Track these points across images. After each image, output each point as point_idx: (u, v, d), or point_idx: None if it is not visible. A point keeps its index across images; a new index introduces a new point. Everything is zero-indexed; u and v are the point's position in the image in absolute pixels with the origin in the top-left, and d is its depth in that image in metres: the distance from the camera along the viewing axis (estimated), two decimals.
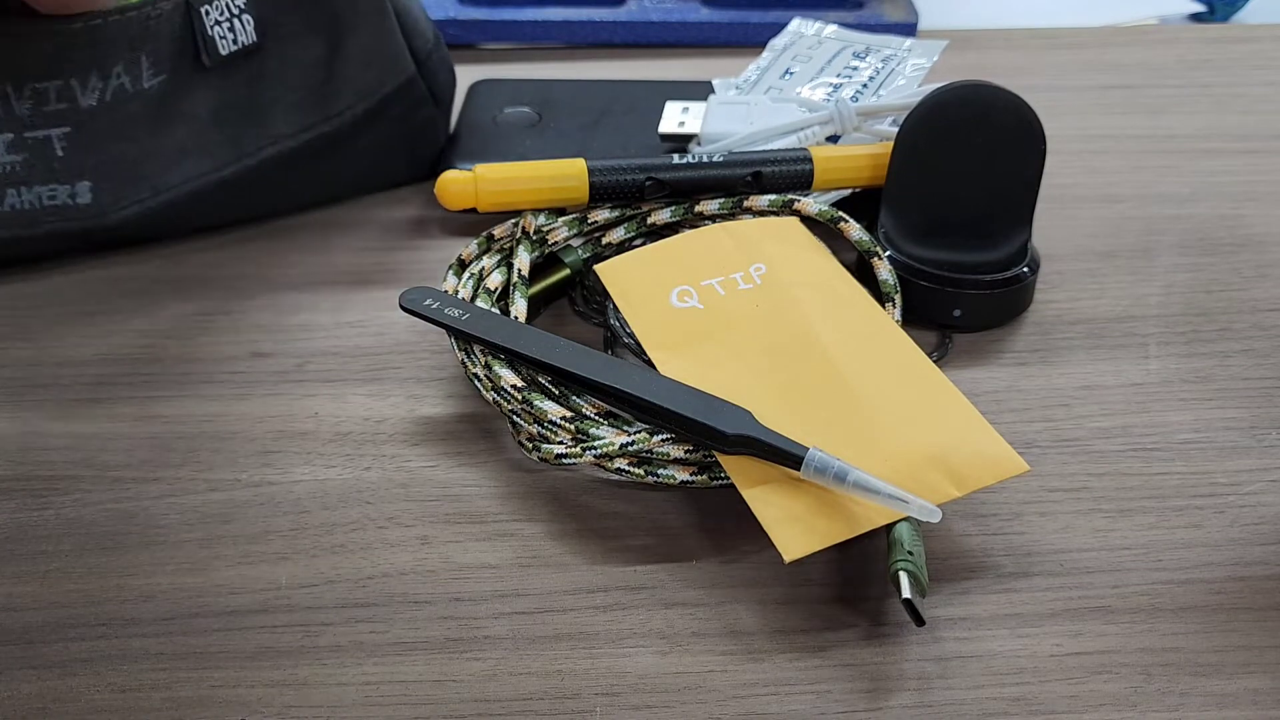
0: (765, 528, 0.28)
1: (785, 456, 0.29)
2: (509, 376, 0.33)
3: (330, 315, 0.40)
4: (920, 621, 0.27)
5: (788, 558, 0.28)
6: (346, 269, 0.42)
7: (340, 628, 0.29)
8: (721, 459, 0.30)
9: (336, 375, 0.37)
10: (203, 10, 0.38)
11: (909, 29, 0.60)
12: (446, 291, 0.36)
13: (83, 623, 0.29)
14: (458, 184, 0.39)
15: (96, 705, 0.27)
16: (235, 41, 0.39)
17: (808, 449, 0.29)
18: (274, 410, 0.36)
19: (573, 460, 0.31)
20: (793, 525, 0.28)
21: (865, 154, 0.40)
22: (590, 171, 0.38)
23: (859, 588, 0.29)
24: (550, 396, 0.33)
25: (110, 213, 0.40)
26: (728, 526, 0.31)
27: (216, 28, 0.39)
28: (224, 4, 0.39)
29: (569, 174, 0.39)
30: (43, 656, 0.28)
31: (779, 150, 0.40)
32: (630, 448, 0.31)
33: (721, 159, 0.39)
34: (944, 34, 0.61)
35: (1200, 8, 0.65)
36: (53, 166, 0.38)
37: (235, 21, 0.39)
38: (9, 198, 0.39)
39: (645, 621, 0.29)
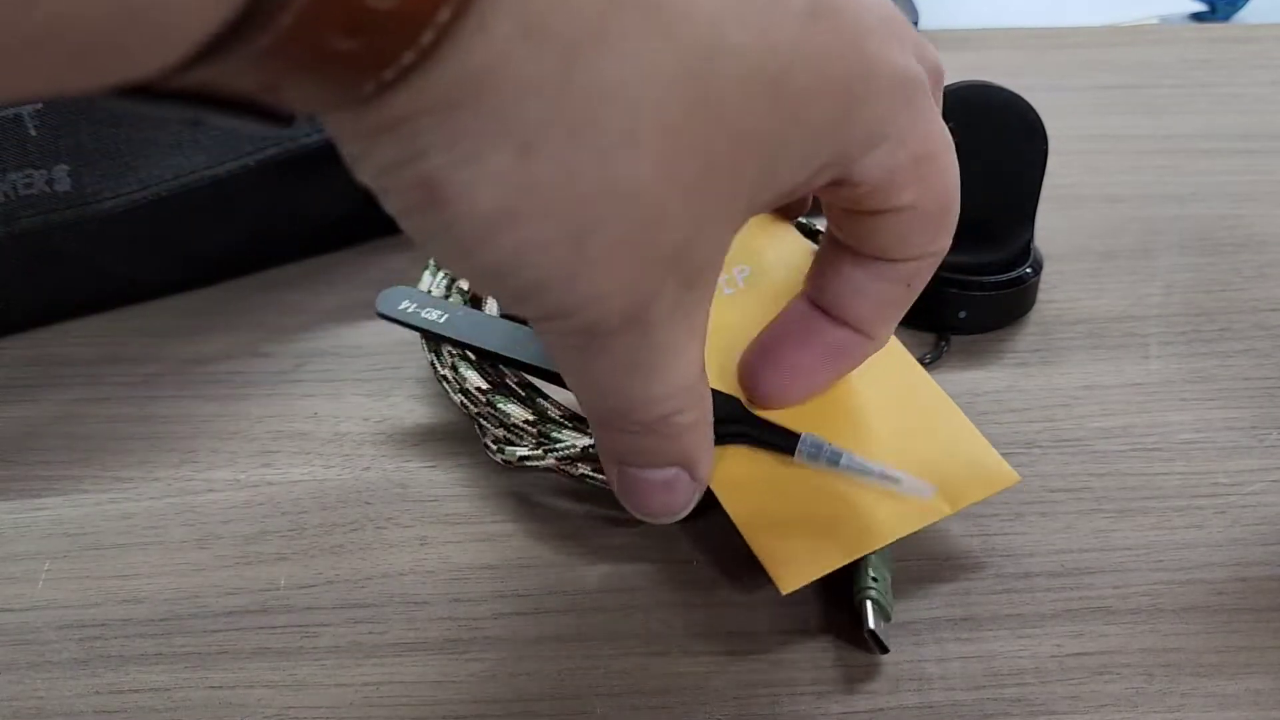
0: (760, 559, 0.28)
1: (779, 438, 0.28)
2: (474, 379, 0.32)
3: (329, 315, 0.39)
4: (884, 650, 0.27)
5: (785, 590, 0.27)
6: (346, 269, 0.42)
7: (339, 628, 0.29)
8: (713, 485, 0.29)
9: (335, 375, 0.37)
10: None
11: None
12: (423, 290, 0.36)
13: (82, 623, 0.29)
14: None
15: (95, 706, 0.27)
16: None
17: (800, 434, 0.28)
18: (273, 410, 0.35)
19: (535, 463, 0.31)
20: (788, 553, 0.28)
21: None
22: None
23: None
24: (515, 399, 0.32)
25: (92, 203, 0.37)
26: (727, 527, 0.31)
27: None
28: None
29: None
30: (42, 657, 0.28)
31: None
32: (592, 451, 0.30)
33: None
34: (944, 34, 0.61)
35: (1201, 7, 0.65)
36: (26, 148, 0.36)
37: None
38: None
39: (645, 622, 0.29)
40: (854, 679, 0.27)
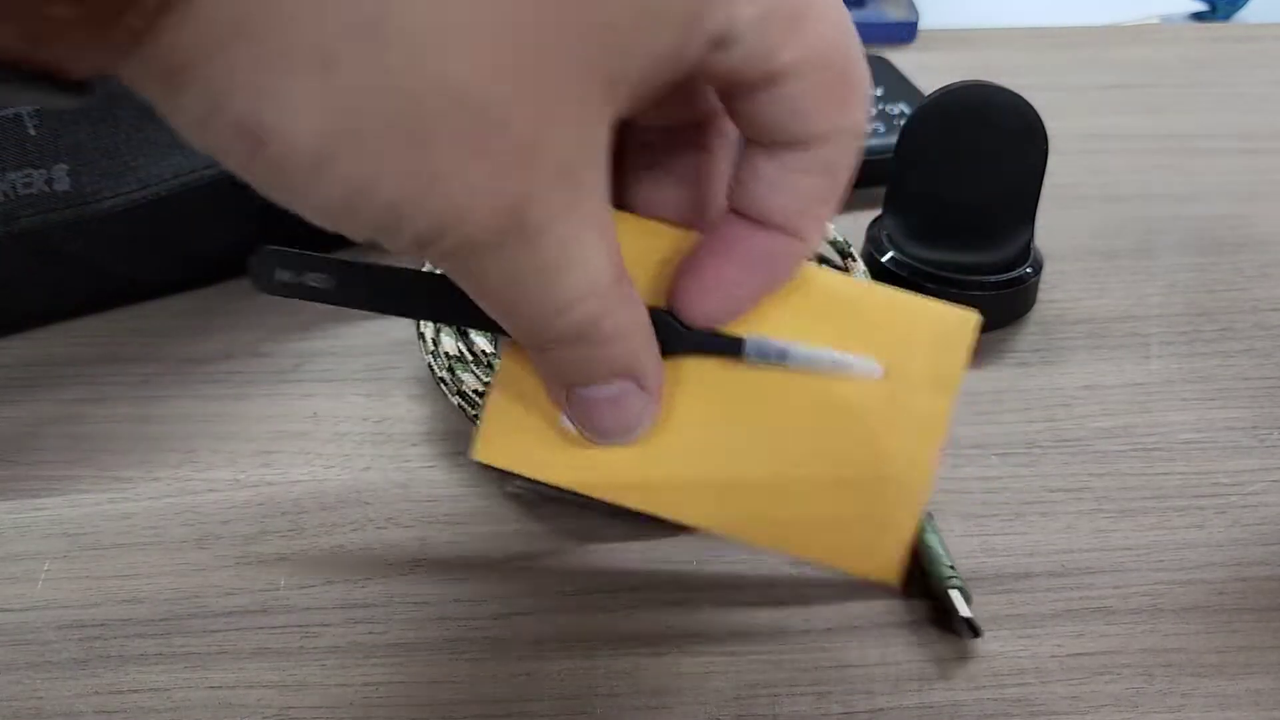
0: (853, 573, 0.27)
1: (723, 345, 0.26)
2: (470, 381, 0.32)
3: (329, 315, 0.39)
4: (978, 634, 0.27)
5: (899, 583, 0.27)
6: None
7: (339, 628, 0.29)
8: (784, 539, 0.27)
9: (335, 375, 0.37)
10: None
11: (910, 28, 0.60)
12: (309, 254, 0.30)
13: (81, 623, 0.29)
14: None
15: (95, 706, 0.27)
16: None
17: (744, 337, 0.26)
18: (272, 410, 0.35)
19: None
20: (866, 550, 0.27)
21: None
22: None
23: (859, 588, 0.29)
24: None
25: (91, 203, 0.37)
26: None
27: None
28: None
29: None
30: (42, 657, 0.28)
31: None
32: None
33: None
34: (944, 34, 0.61)
35: (1202, 6, 0.65)
36: (25, 148, 0.36)
37: None
38: None
39: (645, 622, 0.29)
40: (854, 679, 0.27)
